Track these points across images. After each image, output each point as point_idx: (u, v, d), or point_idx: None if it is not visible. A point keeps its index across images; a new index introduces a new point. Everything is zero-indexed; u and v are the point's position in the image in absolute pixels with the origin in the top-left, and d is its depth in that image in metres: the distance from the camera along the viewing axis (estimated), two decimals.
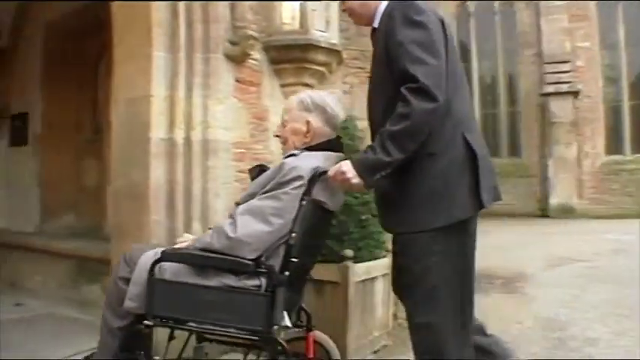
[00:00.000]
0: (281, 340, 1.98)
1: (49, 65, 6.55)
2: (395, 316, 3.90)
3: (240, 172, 3.73)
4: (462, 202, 1.98)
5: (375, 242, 3.41)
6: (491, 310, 4.60)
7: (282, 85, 4.13)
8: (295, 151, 2.24)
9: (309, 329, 2.41)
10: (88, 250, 4.85)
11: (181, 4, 3.57)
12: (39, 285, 5.38)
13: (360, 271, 3.27)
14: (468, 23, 16.70)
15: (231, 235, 2.02)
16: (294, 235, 2.03)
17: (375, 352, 3.53)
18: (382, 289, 3.57)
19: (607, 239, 8.38)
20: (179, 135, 3.54)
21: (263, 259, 2.03)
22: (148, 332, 2.16)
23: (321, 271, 3.19)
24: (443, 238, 1.97)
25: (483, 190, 1.99)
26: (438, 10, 2.11)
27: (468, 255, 2.07)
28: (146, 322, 2.07)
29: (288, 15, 4.00)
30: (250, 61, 3.88)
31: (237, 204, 2.19)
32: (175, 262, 2.09)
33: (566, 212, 13.49)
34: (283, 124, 2.37)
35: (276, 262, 2.04)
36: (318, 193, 2.10)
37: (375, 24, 2.14)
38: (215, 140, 3.60)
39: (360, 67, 4.35)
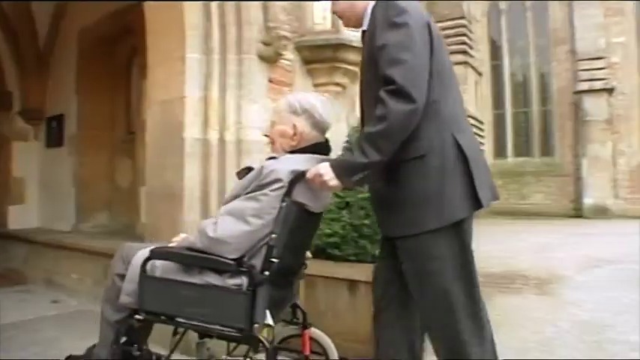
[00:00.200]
0: (262, 338, 2.03)
1: (83, 68, 6.71)
2: None
3: None
4: (457, 202, 1.97)
5: None
6: (525, 312, 4.55)
7: (315, 85, 4.13)
8: (275, 154, 2.30)
9: (304, 326, 2.48)
10: None
11: (214, 6, 3.60)
12: (75, 283, 5.47)
13: None
14: (499, 21, 16.52)
15: (212, 235, 2.08)
16: (274, 235, 2.07)
17: None
18: None
19: None
20: (213, 135, 3.57)
21: (245, 259, 2.08)
22: (147, 326, 2.29)
23: (355, 271, 3.21)
24: (442, 240, 1.98)
25: (480, 190, 1.98)
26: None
27: (470, 254, 2.05)
28: (137, 316, 2.18)
29: (319, 15, 4.00)
30: (283, 61, 3.89)
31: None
32: (163, 259, 2.17)
33: (601, 212, 13.23)
34: (272, 126, 2.39)
35: (258, 262, 2.09)
36: (299, 195, 2.12)
37: (365, 26, 2.14)
38: (248, 140, 3.61)
39: None
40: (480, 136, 16.23)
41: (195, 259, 2.13)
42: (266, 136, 2.45)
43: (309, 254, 2.56)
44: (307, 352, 2.47)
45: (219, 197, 3.51)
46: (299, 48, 4.03)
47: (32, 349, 2.88)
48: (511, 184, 15.46)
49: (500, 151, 16.59)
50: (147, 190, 4.03)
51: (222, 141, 3.59)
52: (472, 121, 15.62)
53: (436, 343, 2.13)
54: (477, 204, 1.99)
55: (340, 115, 4.06)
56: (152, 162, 3.80)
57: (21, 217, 7.22)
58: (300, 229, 2.19)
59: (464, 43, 15.21)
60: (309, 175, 2.05)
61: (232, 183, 3.53)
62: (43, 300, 5.16)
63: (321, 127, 2.32)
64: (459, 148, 1.98)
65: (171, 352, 2.33)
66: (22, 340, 2.97)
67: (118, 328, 2.29)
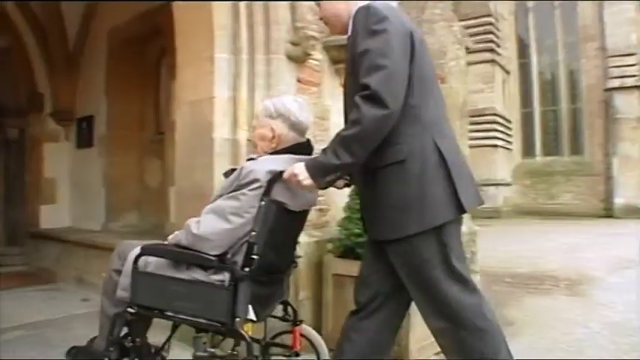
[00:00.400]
0: (243, 332, 2.12)
1: (113, 69, 6.77)
2: None
3: None
4: (438, 207, 1.99)
5: None
6: (556, 313, 4.49)
7: (343, 85, 4.12)
8: (254, 155, 2.43)
9: (295, 323, 2.58)
10: None
11: (242, 6, 3.61)
12: None
13: None
14: (527, 18, 16.33)
15: (195, 232, 2.18)
16: (253, 233, 2.15)
17: (437, 353, 3.48)
18: None
19: None
20: (242, 135, 3.57)
21: (229, 255, 2.18)
22: (145, 319, 2.42)
23: None
24: (424, 243, 2.00)
25: (462, 194, 2.00)
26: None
27: (454, 256, 2.05)
28: (130, 309, 2.30)
29: None
30: (311, 61, 3.89)
31: None
32: (152, 255, 2.29)
33: (632, 212, 13.02)
34: (253, 129, 2.50)
35: (240, 259, 2.17)
36: (278, 194, 2.20)
37: (349, 32, 2.15)
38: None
39: None
40: (507, 134, 16.09)
41: (181, 255, 2.24)
42: (249, 140, 2.50)
43: (300, 252, 2.69)
44: (297, 348, 2.57)
45: None
46: (327, 48, 4.03)
47: (62, 346, 2.95)
48: (539, 183, 15.32)
49: (528, 150, 16.42)
50: (176, 190, 4.06)
51: (251, 141, 3.59)
52: (500, 120, 15.48)
53: (442, 341, 2.17)
54: (458, 209, 2.02)
55: None
56: (181, 162, 3.83)
57: (52, 217, 7.34)
58: (281, 227, 2.27)
59: (491, 41, 15.10)
60: (285, 174, 2.12)
61: None
62: (74, 298, 5.24)
63: (298, 128, 2.40)
64: (439, 152, 2.00)
65: (165, 344, 2.48)
66: (53, 337, 3.04)
67: (114, 320, 2.38)
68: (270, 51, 3.61)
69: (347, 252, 3.36)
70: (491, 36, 15.01)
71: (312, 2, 3.83)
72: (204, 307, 2.17)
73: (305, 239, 3.54)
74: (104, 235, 6.11)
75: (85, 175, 7.17)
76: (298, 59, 3.75)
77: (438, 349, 3.44)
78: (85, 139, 7.23)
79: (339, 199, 3.69)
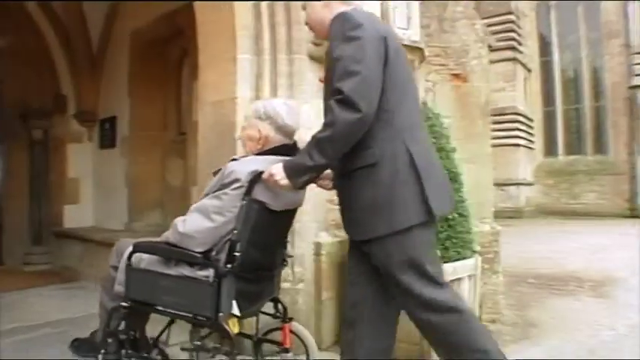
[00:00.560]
0: (226, 326, 2.24)
1: (135, 70, 6.83)
2: (480, 319, 3.81)
3: None
4: (406, 210, 2.06)
5: (463, 242, 3.33)
6: (581, 314, 4.44)
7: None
8: (236, 156, 2.58)
9: (284, 320, 2.69)
10: None
11: (264, 7, 3.61)
12: None
13: (446, 271, 3.18)
14: (549, 15, 16.14)
15: (181, 230, 2.32)
16: (235, 231, 2.26)
17: None
18: (468, 291, 3.49)
19: None
20: None
21: (214, 253, 2.29)
22: (142, 313, 2.54)
23: None
24: (393, 245, 2.07)
25: (431, 199, 2.05)
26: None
27: (423, 258, 2.11)
28: (123, 304, 2.43)
29: None
30: None
31: None
32: (143, 252, 2.42)
33: None
34: (243, 130, 2.62)
35: (224, 256, 2.28)
36: (259, 194, 2.30)
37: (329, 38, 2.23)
38: (300, 140, 3.60)
39: (442, 64, 4.28)
40: (529, 133, 15.93)
41: (169, 252, 2.37)
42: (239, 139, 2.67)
43: (290, 251, 2.85)
44: (287, 345, 2.68)
45: None
46: None
47: None
48: (562, 183, 15.15)
49: (550, 149, 16.25)
50: (198, 189, 4.07)
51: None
52: (521, 119, 15.33)
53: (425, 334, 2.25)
54: (427, 213, 2.07)
55: None
56: (204, 162, 3.83)
57: (76, 217, 7.44)
58: (264, 226, 2.37)
59: (512, 39, 14.97)
60: (264, 175, 2.22)
61: None
62: (96, 297, 5.29)
63: (284, 130, 2.51)
64: (410, 157, 2.07)
65: (159, 336, 2.61)
66: (74, 335, 3.12)
67: (111, 314, 2.49)
68: (292, 51, 3.61)
69: None
70: (512, 34, 14.88)
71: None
72: (191, 302, 2.29)
73: (328, 239, 3.54)
74: (127, 235, 6.15)
75: (108, 175, 7.25)
76: (320, 59, 3.71)
77: None
78: (107, 140, 7.31)
79: None
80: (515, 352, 3.50)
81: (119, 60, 7.02)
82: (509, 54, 14.57)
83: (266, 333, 2.81)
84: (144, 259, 2.42)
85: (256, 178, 2.26)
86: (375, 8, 3.88)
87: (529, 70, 16.07)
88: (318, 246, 3.50)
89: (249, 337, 2.82)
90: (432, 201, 2.05)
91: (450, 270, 3.24)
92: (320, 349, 3.17)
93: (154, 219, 6.76)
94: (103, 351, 2.48)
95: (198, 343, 2.36)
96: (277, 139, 2.49)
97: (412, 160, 2.06)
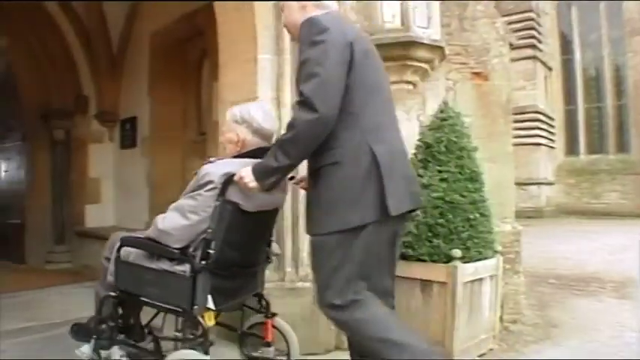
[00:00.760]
0: (199, 318, 2.37)
1: (155, 71, 6.87)
2: (501, 319, 3.78)
3: None
4: (363, 208, 2.09)
5: (484, 242, 3.31)
6: (603, 316, 4.39)
7: None
8: (212, 158, 2.66)
9: (267, 316, 2.82)
10: None
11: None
12: None
13: (468, 271, 3.19)
14: (570, 13, 15.97)
15: (160, 227, 2.44)
16: (209, 230, 2.38)
17: (480, 355, 3.44)
18: (489, 291, 3.47)
19: None
20: None
21: (191, 249, 2.41)
22: (135, 303, 2.65)
23: (428, 271, 3.18)
24: (344, 241, 2.11)
25: (390, 198, 2.08)
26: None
27: (372, 256, 2.18)
28: (112, 293, 2.63)
29: (389, 13, 3.94)
30: None
31: None
32: (128, 246, 2.58)
33: None
34: (222, 134, 2.74)
35: (200, 253, 2.40)
36: (232, 195, 2.40)
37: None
38: None
39: (462, 63, 4.25)
40: (550, 132, 15.77)
41: (151, 247, 2.50)
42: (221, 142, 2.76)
43: (276, 250, 2.94)
44: (269, 339, 2.82)
45: (293, 197, 3.54)
46: None
47: None
48: (583, 182, 14.98)
49: (571, 148, 16.08)
50: None
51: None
52: (542, 118, 15.18)
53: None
54: (383, 212, 2.09)
55: (411, 113, 4.00)
56: None
57: (97, 216, 7.53)
58: (238, 226, 2.47)
59: (532, 37, 14.84)
60: (235, 177, 2.31)
61: None
62: None
63: (261, 133, 2.61)
64: (373, 157, 2.10)
65: (149, 322, 2.78)
66: None
67: (102, 302, 2.67)
68: None
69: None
70: (532, 32, 14.75)
71: (354, 1, 3.84)
72: (169, 294, 2.44)
73: None
74: None
75: (129, 175, 7.32)
76: None
77: (482, 351, 3.43)
78: (128, 140, 7.38)
79: None
80: (536, 352, 3.49)
81: (139, 60, 7.08)
82: (529, 52, 14.43)
83: (251, 327, 2.95)
84: (132, 253, 2.57)
85: (229, 180, 2.36)
86: (395, 8, 3.88)
87: (550, 69, 15.91)
88: None
89: (234, 330, 2.97)
90: (389, 200, 2.08)
91: (472, 270, 3.23)
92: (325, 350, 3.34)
93: None
94: (94, 336, 2.68)
95: (177, 333, 2.54)
96: (254, 142, 2.60)
97: (375, 160, 2.10)
